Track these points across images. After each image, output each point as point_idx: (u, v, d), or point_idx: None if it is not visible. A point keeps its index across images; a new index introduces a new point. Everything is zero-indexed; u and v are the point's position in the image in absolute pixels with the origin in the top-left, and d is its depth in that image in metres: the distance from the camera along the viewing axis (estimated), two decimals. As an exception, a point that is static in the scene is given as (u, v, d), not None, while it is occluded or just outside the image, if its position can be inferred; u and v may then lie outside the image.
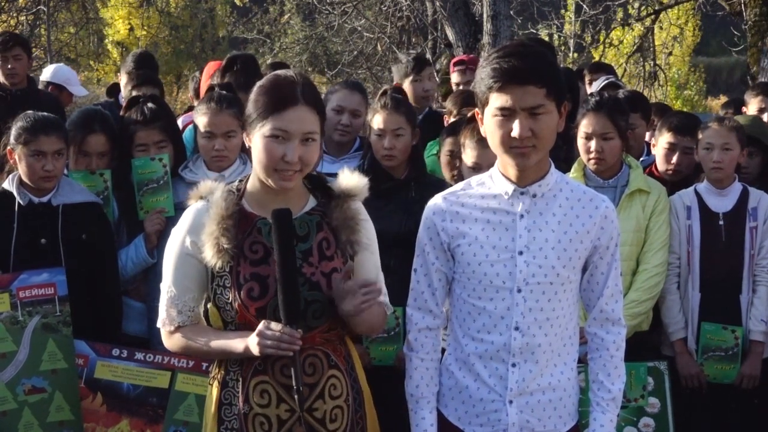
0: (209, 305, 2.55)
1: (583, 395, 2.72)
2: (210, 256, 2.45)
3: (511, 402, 2.56)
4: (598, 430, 2.62)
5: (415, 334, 2.70)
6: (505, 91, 2.41)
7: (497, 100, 2.43)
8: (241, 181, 2.59)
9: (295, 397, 2.43)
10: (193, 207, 2.55)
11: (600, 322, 2.65)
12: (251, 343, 2.41)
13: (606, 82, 5.91)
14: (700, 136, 4.10)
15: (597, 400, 2.64)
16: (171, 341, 2.60)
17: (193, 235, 2.49)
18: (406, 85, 5.44)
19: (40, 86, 6.92)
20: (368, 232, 2.62)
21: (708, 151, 4.04)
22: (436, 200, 2.65)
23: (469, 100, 4.70)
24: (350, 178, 2.60)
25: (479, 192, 2.60)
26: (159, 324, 2.60)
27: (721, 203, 4.05)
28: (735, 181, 4.08)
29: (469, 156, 3.75)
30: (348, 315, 2.48)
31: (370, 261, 2.64)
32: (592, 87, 5.98)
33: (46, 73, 7.11)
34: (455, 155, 4.03)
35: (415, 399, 2.70)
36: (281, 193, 2.51)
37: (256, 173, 2.52)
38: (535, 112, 2.41)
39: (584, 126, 3.89)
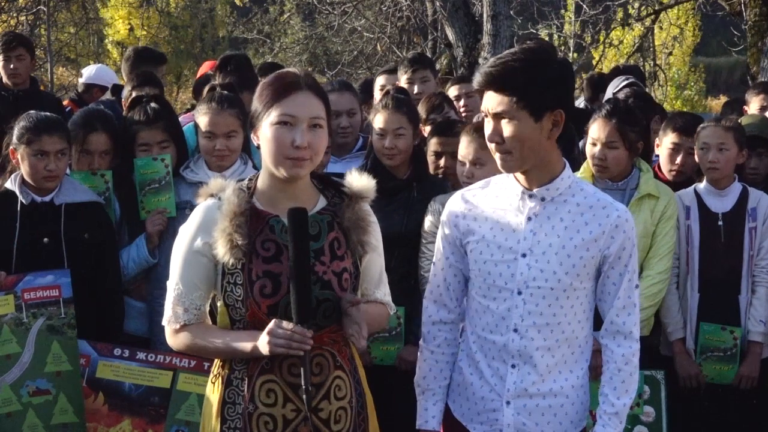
0: (219, 303, 2.53)
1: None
2: (223, 252, 2.43)
3: (508, 403, 2.57)
4: None
5: (428, 327, 2.73)
6: (483, 95, 2.50)
7: (483, 102, 2.51)
8: (250, 179, 2.58)
9: (303, 396, 2.41)
10: (203, 205, 2.53)
11: (611, 333, 2.62)
12: (261, 342, 2.39)
13: (626, 82, 5.76)
14: (697, 136, 4.10)
15: (600, 413, 2.62)
16: (176, 339, 2.58)
17: (203, 232, 2.48)
18: (403, 85, 5.43)
19: (80, 89, 6.94)
20: (376, 234, 2.63)
21: (704, 151, 4.05)
22: (455, 196, 2.68)
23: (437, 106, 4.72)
24: (360, 180, 2.61)
25: (495, 191, 2.62)
26: (164, 321, 2.58)
27: (721, 203, 4.05)
28: (735, 182, 4.08)
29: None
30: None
31: (377, 262, 2.65)
32: (609, 89, 5.88)
33: (88, 75, 7.11)
34: (439, 155, 4.06)
35: (421, 390, 2.72)
36: (292, 190, 2.51)
37: (267, 168, 2.51)
38: (502, 118, 2.45)
39: (591, 131, 3.88)
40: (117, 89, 6.07)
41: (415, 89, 5.29)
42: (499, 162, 2.52)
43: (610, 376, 2.62)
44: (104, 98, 6.43)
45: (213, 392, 2.59)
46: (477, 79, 2.49)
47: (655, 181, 3.97)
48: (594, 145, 3.87)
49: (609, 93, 5.57)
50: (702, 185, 4.10)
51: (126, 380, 3.52)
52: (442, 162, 4.05)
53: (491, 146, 2.51)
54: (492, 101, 2.46)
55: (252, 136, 2.54)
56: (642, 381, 3.77)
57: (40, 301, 3.46)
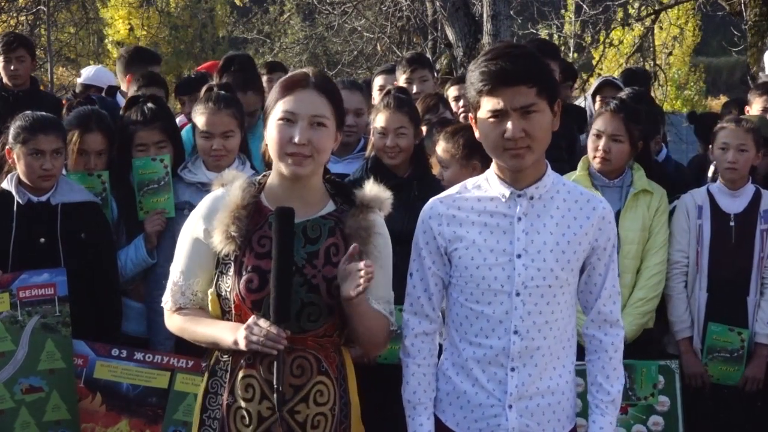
0: (210, 291, 2.56)
1: (579, 398, 2.71)
2: (218, 241, 2.47)
3: (510, 407, 2.55)
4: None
5: (411, 339, 2.67)
6: (496, 94, 2.42)
7: (488, 103, 2.44)
8: (264, 175, 2.60)
9: (275, 396, 2.42)
10: (212, 193, 2.57)
11: (598, 323, 2.65)
12: (239, 336, 2.41)
13: (603, 80, 5.84)
14: (715, 135, 4.10)
15: (596, 402, 2.63)
16: (171, 321, 2.64)
17: (206, 220, 2.52)
18: (401, 85, 5.41)
19: (78, 89, 6.92)
20: (381, 246, 2.59)
21: (723, 151, 4.04)
22: (432, 204, 2.63)
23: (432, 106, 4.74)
24: (373, 189, 2.60)
25: (476, 195, 2.58)
26: (162, 302, 2.64)
27: (733, 204, 4.05)
28: (748, 183, 4.08)
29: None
30: (345, 300, 2.45)
31: (379, 275, 2.58)
32: (588, 91, 5.91)
33: (87, 75, 7.08)
34: None
35: (412, 405, 2.66)
36: (299, 190, 2.51)
37: (275, 165, 2.53)
38: (528, 111, 2.41)
39: (597, 124, 3.95)
40: (112, 90, 6.05)
41: (414, 89, 5.27)
42: (513, 160, 2.46)
43: (602, 365, 2.64)
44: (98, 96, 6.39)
45: (202, 381, 2.62)
46: (493, 77, 2.40)
47: (647, 179, 4.04)
48: (598, 137, 3.91)
49: (588, 96, 5.62)
50: (715, 185, 4.11)
51: (124, 381, 3.51)
52: None
53: (510, 143, 2.42)
54: (514, 95, 2.40)
55: (265, 134, 2.55)
56: (656, 371, 3.82)
57: (35, 299, 3.46)
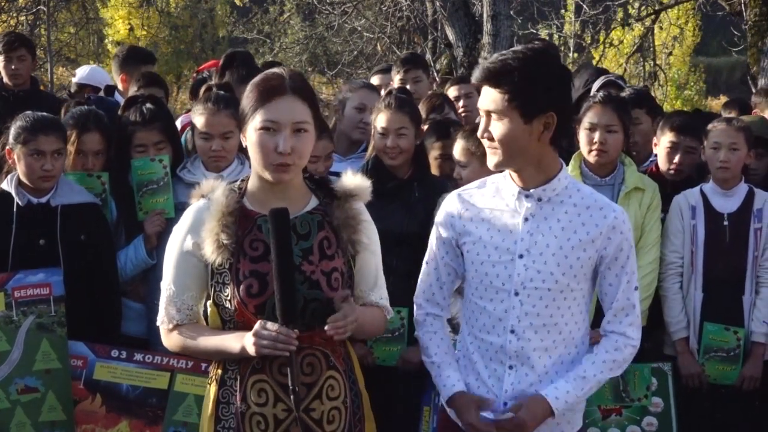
0: (208, 303, 2.55)
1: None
2: (210, 252, 2.45)
3: (505, 404, 2.55)
4: (550, 391, 2.51)
5: (423, 317, 2.74)
6: (480, 90, 2.51)
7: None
8: (242, 180, 2.59)
9: (291, 397, 2.43)
10: (194, 205, 2.55)
11: (608, 333, 2.63)
12: (247, 343, 2.41)
13: (605, 80, 5.86)
14: (707, 135, 4.09)
15: (568, 375, 2.55)
16: (169, 339, 2.61)
17: (193, 233, 2.50)
18: (396, 85, 5.41)
19: (73, 89, 6.91)
20: (369, 232, 2.62)
21: (715, 150, 4.04)
22: (451, 197, 2.68)
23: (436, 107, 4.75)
24: (353, 179, 2.61)
25: (491, 192, 2.61)
26: (158, 322, 2.61)
27: (727, 204, 4.04)
28: (741, 182, 4.07)
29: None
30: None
31: (371, 261, 2.64)
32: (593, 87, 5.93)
33: (81, 75, 7.07)
34: (446, 158, 4.06)
35: (436, 365, 2.68)
36: (282, 191, 2.51)
37: (256, 170, 2.52)
38: (491, 114, 2.45)
39: (589, 117, 3.90)
40: (110, 90, 6.05)
41: (408, 89, 5.27)
42: (488, 158, 2.53)
43: (596, 353, 2.58)
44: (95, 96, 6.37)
45: (209, 392, 2.60)
46: (475, 74, 2.49)
47: (639, 174, 4.02)
48: (592, 130, 3.88)
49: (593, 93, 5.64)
50: (708, 185, 4.09)
51: (124, 382, 3.52)
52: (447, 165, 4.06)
53: (483, 142, 2.53)
54: (485, 97, 2.47)
55: (241, 137, 2.55)
56: (649, 373, 3.83)
57: (31, 299, 3.46)
